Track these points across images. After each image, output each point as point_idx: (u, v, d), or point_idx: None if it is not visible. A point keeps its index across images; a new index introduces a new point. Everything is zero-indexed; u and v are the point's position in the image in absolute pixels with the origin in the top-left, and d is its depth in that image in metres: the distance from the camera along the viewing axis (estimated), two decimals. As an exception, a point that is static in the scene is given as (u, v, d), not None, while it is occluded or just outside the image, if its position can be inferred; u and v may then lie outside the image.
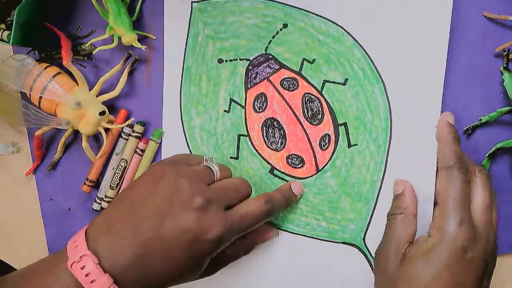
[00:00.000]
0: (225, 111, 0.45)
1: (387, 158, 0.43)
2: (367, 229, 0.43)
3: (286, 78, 0.44)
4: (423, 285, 0.34)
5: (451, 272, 0.34)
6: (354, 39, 0.42)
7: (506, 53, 0.41)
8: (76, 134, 0.46)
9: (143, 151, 0.45)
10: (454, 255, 0.34)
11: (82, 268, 0.32)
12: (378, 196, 0.43)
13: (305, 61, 0.43)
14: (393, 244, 0.38)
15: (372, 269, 0.43)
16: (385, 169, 0.43)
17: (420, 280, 0.35)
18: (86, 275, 0.32)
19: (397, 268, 0.36)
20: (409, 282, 0.35)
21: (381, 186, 0.43)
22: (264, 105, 0.44)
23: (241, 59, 0.44)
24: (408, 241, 0.37)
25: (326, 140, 0.44)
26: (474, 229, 0.34)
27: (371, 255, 0.43)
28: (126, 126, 0.45)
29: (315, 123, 0.43)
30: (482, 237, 0.35)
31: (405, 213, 0.38)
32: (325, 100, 0.43)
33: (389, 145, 0.43)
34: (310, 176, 0.44)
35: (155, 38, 0.44)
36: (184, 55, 0.44)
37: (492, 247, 0.35)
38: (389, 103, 0.42)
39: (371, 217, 0.43)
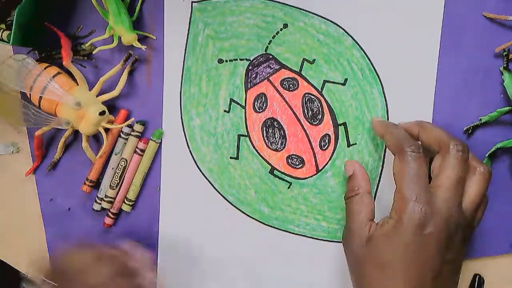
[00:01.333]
0: (225, 111, 0.45)
1: (384, 156, 0.43)
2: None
3: (286, 78, 0.44)
4: (386, 264, 0.36)
5: (410, 249, 0.35)
6: (353, 39, 0.43)
7: (506, 53, 0.41)
8: (76, 134, 0.46)
9: (143, 151, 0.45)
10: (412, 233, 0.35)
11: None
12: (376, 193, 0.43)
13: (305, 61, 0.43)
14: (355, 226, 0.38)
15: None
16: (382, 167, 0.43)
17: (383, 259, 0.36)
18: None
19: (363, 248, 0.37)
20: (373, 262, 0.36)
21: (378, 183, 0.43)
22: (264, 105, 0.44)
23: (241, 59, 0.44)
24: (369, 219, 0.38)
25: (326, 140, 0.44)
26: (433, 207, 0.35)
27: None
28: (126, 126, 0.45)
29: (315, 123, 0.44)
30: (442, 218, 0.35)
31: (360, 193, 0.39)
32: (325, 100, 0.43)
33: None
34: (310, 177, 0.44)
35: (155, 38, 0.44)
36: (184, 55, 0.44)
37: (455, 228, 0.35)
38: (386, 102, 0.43)
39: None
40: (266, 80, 0.44)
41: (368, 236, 0.37)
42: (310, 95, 0.43)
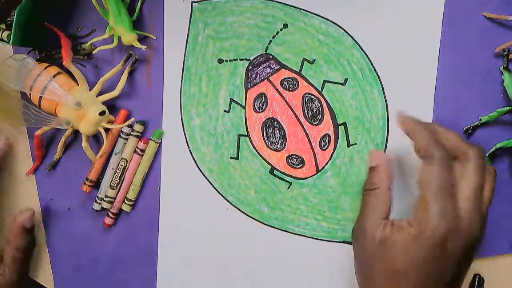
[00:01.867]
0: (225, 111, 0.45)
1: None
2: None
3: (286, 78, 0.44)
4: (400, 272, 0.34)
5: (429, 261, 0.34)
6: (354, 39, 0.43)
7: (506, 53, 0.41)
8: (76, 134, 0.46)
9: (143, 151, 0.45)
10: (433, 246, 0.34)
11: None
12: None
13: (305, 61, 0.43)
14: (369, 222, 0.37)
15: None
16: None
17: (397, 264, 0.34)
18: None
19: (376, 248, 0.36)
20: (385, 265, 0.35)
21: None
22: (264, 105, 0.44)
23: (241, 59, 0.44)
24: (384, 218, 0.36)
25: (326, 140, 0.44)
26: (457, 219, 0.34)
27: None
28: (126, 126, 0.45)
29: (315, 123, 0.44)
30: (464, 229, 0.34)
31: (380, 188, 0.37)
32: (325, 100, 0.43)
33: (386, 143, 0.43)
34: (310, 176, 0.44)
35: (155, 38, 0.44)
36: (184, 55, 0.44)
37: (474, 239, 0.35)
38: (386, 102, 0.43)
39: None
40: (266, 80, 0.44)
41: (383, 237, 0.35)
42: (310, 95, 0.43)
